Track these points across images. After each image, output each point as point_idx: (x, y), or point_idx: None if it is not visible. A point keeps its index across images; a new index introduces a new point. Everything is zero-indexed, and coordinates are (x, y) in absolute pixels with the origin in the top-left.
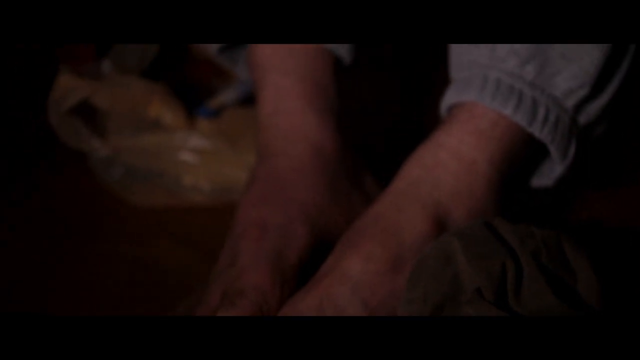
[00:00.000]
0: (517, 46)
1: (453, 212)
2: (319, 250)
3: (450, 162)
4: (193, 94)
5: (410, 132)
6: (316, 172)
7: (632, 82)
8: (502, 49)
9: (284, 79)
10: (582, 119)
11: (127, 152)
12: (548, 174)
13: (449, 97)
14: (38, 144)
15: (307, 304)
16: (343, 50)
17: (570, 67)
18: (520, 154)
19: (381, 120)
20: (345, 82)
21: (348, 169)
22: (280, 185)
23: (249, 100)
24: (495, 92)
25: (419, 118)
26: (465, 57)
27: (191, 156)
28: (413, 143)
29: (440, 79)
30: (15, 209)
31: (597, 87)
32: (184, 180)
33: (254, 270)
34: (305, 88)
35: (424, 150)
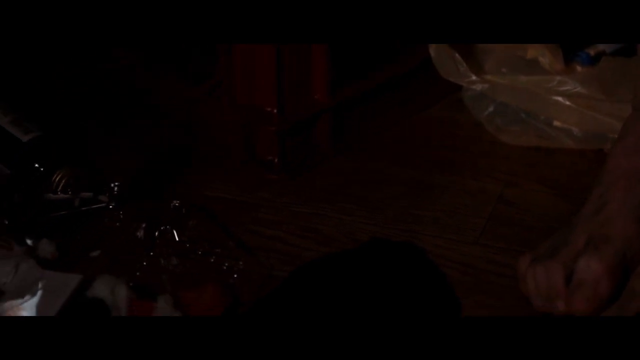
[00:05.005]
0: None
1: None
2: None
3: None
4: None
5: None
6: None
7: None
8: None
9: None
10: None
11: (502, 89)
12: None
13: None
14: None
15: None
16: None
17: None
18: None
19: None
20: None
21: None
22: None
23: (629, 51)
24: None
25: None
26: None
27: (566, 100)
28: None
29: None
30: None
31: None
32: (556, 123)
33: (621, 219)
34: None
35: None
